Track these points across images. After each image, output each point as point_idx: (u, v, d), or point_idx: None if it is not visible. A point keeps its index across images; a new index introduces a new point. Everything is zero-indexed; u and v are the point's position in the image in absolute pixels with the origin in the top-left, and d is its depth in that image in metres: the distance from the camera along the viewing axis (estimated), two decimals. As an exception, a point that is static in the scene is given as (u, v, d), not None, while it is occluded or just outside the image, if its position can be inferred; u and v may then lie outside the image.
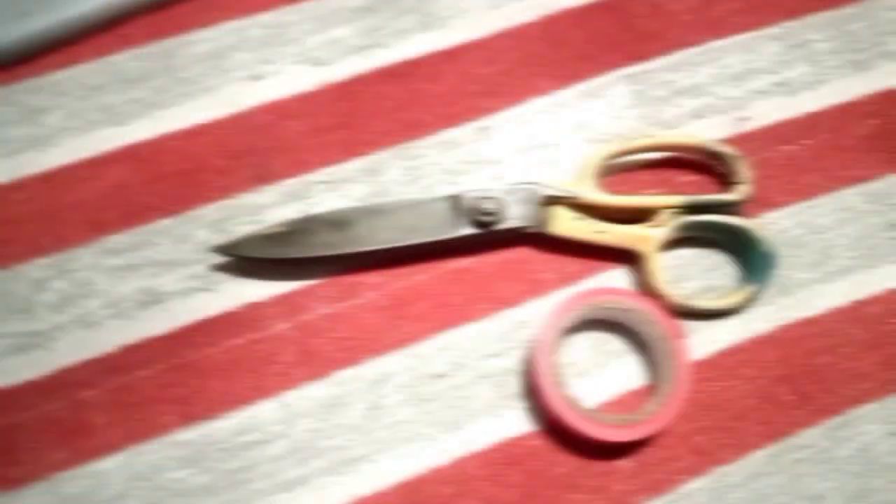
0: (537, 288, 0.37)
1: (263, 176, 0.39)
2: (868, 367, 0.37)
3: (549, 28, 0.42)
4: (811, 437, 0.36)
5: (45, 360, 0.35)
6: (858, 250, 0.39)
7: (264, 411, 0.35)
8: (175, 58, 0.41)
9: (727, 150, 0.38)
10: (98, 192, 0.38)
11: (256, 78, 0.41)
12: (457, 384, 0.35)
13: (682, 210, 0.37)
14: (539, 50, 0.41)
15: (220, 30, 0.41)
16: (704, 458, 0.35)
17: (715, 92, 0.41)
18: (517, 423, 0.35)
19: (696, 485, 0.34)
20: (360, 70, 0.41)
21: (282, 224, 0.36)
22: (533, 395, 0.35)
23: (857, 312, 0.38)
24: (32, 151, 0.39)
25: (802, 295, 0.38)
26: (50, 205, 0.38)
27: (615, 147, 0.38)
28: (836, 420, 0.36)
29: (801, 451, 0.36)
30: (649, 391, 0.35)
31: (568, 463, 0.34)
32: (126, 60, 0.41)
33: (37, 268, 0.37)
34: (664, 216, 0.37)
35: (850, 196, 0.40)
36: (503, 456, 0.34)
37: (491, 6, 0.42)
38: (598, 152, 0.38)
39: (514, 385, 0.36)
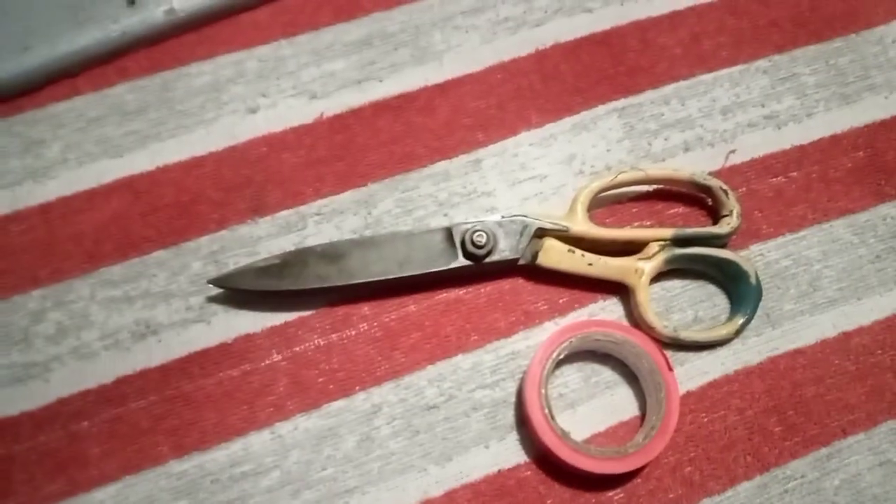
0: (529, 319, 0.38)
1: (259, 208, 0.39)
2: (855, 398, 0.37)
3: (541, 62, 0.43)
4: (799, 468, 0.36)
5: (41, 392, 0.35)
6: (846, 282, 0.39)
7: (257, 442, 0.35)
8: (173, 90, 0.42)
9: (715, 183, 0.39)
10: (95, 223, 0.38)
11: (253, 110, 0.41)
12: (449, 416, 0.36)
13: (671, 242, 0.38)
14: (531, 84, 0.42)
15: (218, 63, 0.42)
16: (694, 489, 0.35)
17: (703, 125, 0.42)
18: (509, 454, 0.35)
19: (685, 516, 0.35)
20: (354, 103, 0.42)
21: (275, 256, 0.37)
22: (524, 427, 0.35)
23: (844, 344, 0.38)
24: (31, 183, 0.39)
25: (790, 326, 0.38)
26: (48, 236, 0.38)
27: (605, 180, 0.38)
28: (824, 451, 0.36)
29: (789, 483, 0.36)
30: (639, 422, 0.36)
31: (559, 495, 0.35)
32: (124, 93, 0.41)
33: (34, 299, 0.37)
34: (653, 248, 0.37)
35: (838, 228, 0.40)
36: (495, 488, 0.35)
37: (484, 41, 0.43)
38: (589, 185, 0.38)
39: (506, 416, 0.36)
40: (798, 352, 0.38)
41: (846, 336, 0.38)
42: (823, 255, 0.40)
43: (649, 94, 0.42)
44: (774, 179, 0.41)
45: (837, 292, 0.39)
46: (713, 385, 0.37)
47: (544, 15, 0.44)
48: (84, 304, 0.37)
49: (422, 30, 0.43)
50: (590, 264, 0.37)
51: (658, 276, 0.38)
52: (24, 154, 0.40)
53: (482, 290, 0.38)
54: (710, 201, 0.40)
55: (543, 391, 0.34)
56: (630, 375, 0.37)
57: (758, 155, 0.41)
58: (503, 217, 0.38)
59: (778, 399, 0.37)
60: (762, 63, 0.44)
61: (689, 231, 0.38)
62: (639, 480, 0.35)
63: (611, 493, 0.35)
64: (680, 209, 0.40)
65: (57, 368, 0.36)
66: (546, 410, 0.34)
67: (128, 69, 0.42)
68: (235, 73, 0.42)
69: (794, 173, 0.41)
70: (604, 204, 0.39)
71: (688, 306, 0.38)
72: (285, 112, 0.41)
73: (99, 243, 0.38)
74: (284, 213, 0.39)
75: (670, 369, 0.35)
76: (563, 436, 0.33)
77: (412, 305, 0.38)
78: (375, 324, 0.37)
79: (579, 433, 0.36)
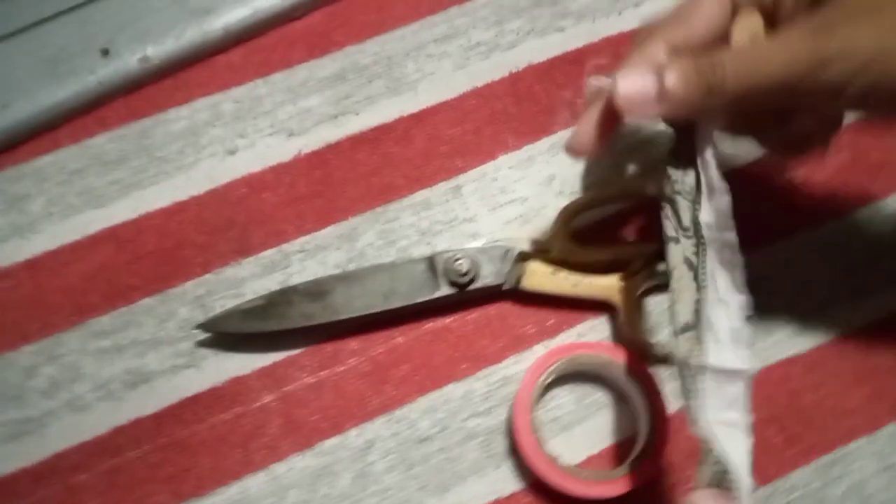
0: (518, 343, 0.38)
1: (242, 249, 0.39)
2: (855, 402, 0.37)
3: (515, 85, 0.43)
4: (802, 477, 0.36)
5: (38, 447, 0.36)
6: (838, 285, 0.39)
7: (254, 485, 0.35)
8: (151, 137, 0.42)
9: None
10: (82, 275, 0.39)
11: (231, 152, 0.41)
12: (443, 446, 0.36)
13: (655, 257, 0.37)
14: (506, 107, 0.42)
15: (194, 107, 0.42)
16: (693, 506, 0.35)
17: (683, 135, 0.42)
18: (505, 482, 0.35)
19: (686, 534, 0.34)
20: (332, 138, 0.42)
21: (260, 297, 0.37)
22: (516, 454, 0.35)
23: (840, 348, 0.38)
24: (17, 239, 0.40)
25: (784, 334, 0.38)
26: (36, 291, 0.38)
27: (585, 199, 0.38)
28: (827, 459, 0.36)
29: (792, 493, 0.36)
30: (632, 442, 0.35)
31: (557, 520, 0.34)
32: (104, 143, 0.42)
33: (26, 354, 0.37)
34: (638, 265, 0.37)
35: (826, 231, 0.40)
36: (492, 517, 0.35)
37: (457, 67, 0.43)
38: (569, 206, 0.38)
39: (500, 444, 0.36)
40: (794, 359, 0.38)
41: (842, 340, 0.38)
42: (814, 259, 0.39)
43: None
44: (761, 187, 0.41)
45: (831, 296, 0.39)
46: (707, 398, 0.36)
47: (516, 37, 0.44)
48: (75, 357, 0.37)
49: (394, 60, 0.43)
50: (574, 285, 0.37)
51: (645, 292, 0.38)
52: (9, 210, 0.40)
53: (469, 318, 0.38)
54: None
55: (531, 416, 0.34)
56: (622, 395, 0.36)
57: (741, 164, 0.41)
58: (485, 243, 0.38)
59: (776, 408, 0.37)
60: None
61: (673, 244, 0.37)
62: (636, 501, 0.34)
63: (610, 516, 0.34)
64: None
65: (52, 423, 0.36)
66: (535, 436, 0.33)
67: (107, 119, 0.42)
68: (212, 115, 0.42)
69: (780, 179, 0.41)
70: (586, 223, 0.39)
71: (677, 320, 0.38)
72: (264, 151, 0.41)
73: (86, 295, 0.38)
74: (268, 252, 0.39)
75: (659, 389, 0.34)
76: (553, 461, 0.33)
77: (400, 337, 0.38)
78: (364, 358, 0.37)
79: (575, 456, 0.35)
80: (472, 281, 0.37)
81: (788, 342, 0.38)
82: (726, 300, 0.30)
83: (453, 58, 0.43)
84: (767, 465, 0.36)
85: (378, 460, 0.35)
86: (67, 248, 0.39)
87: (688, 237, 0.32)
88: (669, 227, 0.33)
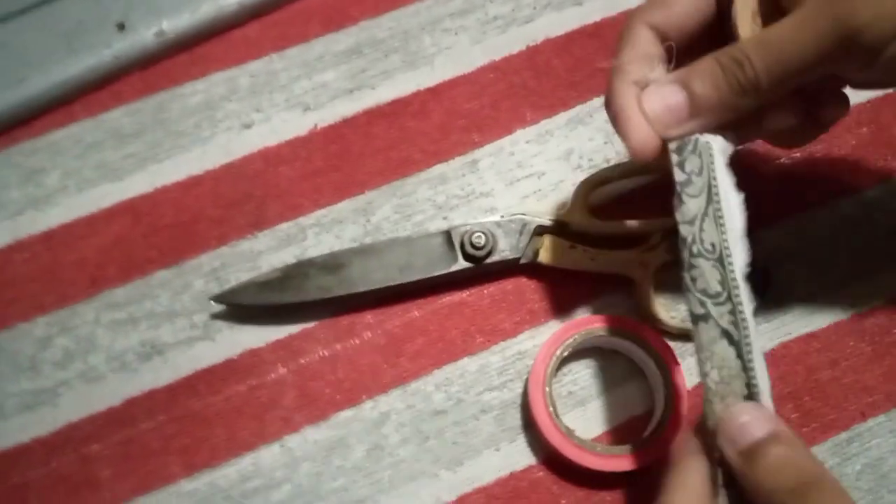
0: (534, 318, 0.37)
1: (258, 222, 0.39)
2: (872, 379, 0.37)
3: (533, 59, 0.42)
4: (819, 454, 0.35)
5: (51, 417, 0.36)
6: (856, 261, 0.38)
7: (267, 457, 0.35)
8: (167, 111, 0.42)
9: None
10: (97, 248, 0.39)
11: (247, 126, 0.41)
12: (458, 420, 0.36)
13: (672, 233, 0.37)
14: (523, 81, 0.42)
15: (210, 81, 0.42)
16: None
17: (702, 111, 0.41)
18: (520, 456, 0.35)
19: (703, 509, 0.34)
20: (348, 112, 0.41)
21: (276, 270, 0.37)
22: (531, 428, 0.35)
23: (858, 325, 0.37)
24: (33, 212, 0.40)
25: (801, 310, 0.38)
26: (51, 263, 0.38)
27: (604, 173, 0.38)
28: (844, 436, 0.36)
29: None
30: (648, 417, 0.35)
31: (573, 494, 0.34)
32: (120, 117, 0.42)
33: (40, 326, 0.37)
34: (655, 239, 0.37)
35: (845, 206, 0.40)
36: (507, 490, 0.34)
37: (474, 41, 0.43)
38: (587, 179, 0.38)
39: (515, 418, 0.36)
40: (811, 336, 0.37)
41: (860, 317, 0.38)
42: (832, 235, 0.39)
43: (644, 84, 0.42)
44: (779, 161, 0.40)
45: (848, 272, 0.38)
46: (725, 374, 0.36)
47: (533, 11, 0.43)
48: (89, 328, 0.37)
49: (411, 34, 0.43)
50: (592, 259, 0.37)
51: (662, 267, 0.37)
52: (25, 183, 0.40)
53: (485, 292, 0.38)
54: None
55: (548, 390, 0.34)
56: (639, 370, 0.36)
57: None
58: (502, 217, 0.37)
59: (793, 385, 0.36)
60: (758, 45, 0.43)
61: (692, 219, 0.37)
62: (654, 475, 0.34)
63: (625, 490, 0.34)
64: (681, 198, 0.39)
65: (65, 393, 0.36)
66: (551, 409, 0.33)
67: (122, 93, 0.42)
68: (228, 90, 0.42)
69: (798, 153, 0.40)
70: (604, 197, 0.39)
71: (695, 296, 0.38)
72: (280, 126, 0.41)
73: (101, 267, 0.38)
74: (284, 225, 0.39)
75: (677, 363, 0.34)
76: (569, 434, 0.33)
77: (415, 311, 0.37)
78: (379, 331, 0.37)
79: (591, 430, 0.35)
80: (488, 255, 0.37)
81: (806, 318, 0.37)
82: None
83: (470, 32, 0.43)
84: (785, 442, 0.35)
85: (392, 433, 0.35)
86: (83, 220, 0.39)
87: (719, 304, 0.27)
88: (694, 302, 0.27)
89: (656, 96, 0.29)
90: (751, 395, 0.26)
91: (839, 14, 0.26)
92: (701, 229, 0.28)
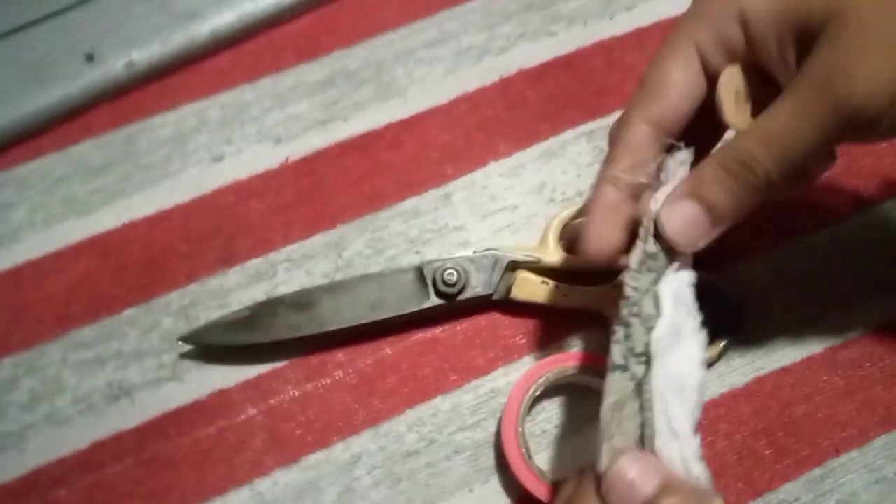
0: (507, 354, 0.37)
1: (228, 258, 0.39)
2: (846, 414, 0.36)
3: (506, 90, 0.42)
4: (793, 490, 0.35)
5: (17, 462, 0.35)
6: (830, 293, 0.38)
7: (237, 501, 0.35)
8: (137, 144, 0.41)
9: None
10: (65, 285, 0.38)
11: (218, 159, 0.41)
12: (430, 461, 0.35)
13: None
14: (497, 113, 0.42)
15: (181, 113, 0.42)
16: (684, 521, 0.34)
17: (675, 143, 0.41)
18: (493, 497, 0.35)
19: (677, 550, 0.34)
20: (320, 144, 0.41)
21: (245, 308, 0.36)
22: (504, 469, 0.34)
23: (831, 358, 0.37)
24: (-1, 248, 0.39)
25: (775, 344, 0.37)
26: (18, 301, 0.38)
27: (575, 208, 0.38)
28: (818, 472, 0.36)
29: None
30: (623, 456, 0.35)
31: (546, 535, 0.34)
32: (89, 150, 0.41)
33: (6, 367, 0.37)
34: (629, 275, 0.37)
35: (819, 239, 0.39)
36: (480, 532, 0.34)
37: (447, 72, 0.42)
38: (559, 214, 0.38)
39: (488, 458, 0.35)
40: (784, 370, 0.37)
41: (833, 350, 0.38)
42: (805, 268, 0.39)
43: (617, 115, 0.42)
44: (751, 194, 0.40)
45: (822, 306, 0.38)
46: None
47: (507, 41, 0.43)
48: (56, 369, 0.37)
49: (384, 65, 0.43)
50: (564, 295, 0.36)
51: (636, 303, 0.37)
52: (-9, 219, 0.40)
53: (458, 328, 0.37)
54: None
55: (520, 430, 0.33)
56: (612, 407, 0.36)
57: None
58: (474, 252, 0.37)
59: (767, 420, 0.36)
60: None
61: (665, 254, 0.37)
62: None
63: (599, 531, 0.34)
64: (654, 232, 0.39)
65: (32, 437, 0.35)
66: (523, 450, 0.33)
67: (91, 125, 0.42)
68: (199, 121, 0.42)
69: (771, 186, 0.40)
70: (574, 233, 0.39)
71: (668, 331, 0.37)
72: (251, 158, 0.41)
73: (69, 305, 0.38)
74: (254, 261, 0.39)
75: (650, 401, 0.34)
76: (541, 476, 0.33)
77: (387, 348, 0.37)
78: (351, 370, 0.37)
79: (564, 470, 0.35)
80: (461, 291, 0.36)
81: (780, 352, 0.37)
82: (677, 430, 0.26)
83: (444, 62, 0.43)
84: (758, 479, 0.35)
85: (364, 475, 0.35)
86: (50, 257, 0.39)
87: (640, 363, 0.28)
88: (617, 354, 0.28)
89: (674, 214, 0.28)
90: (642, 437, 0.26)
91: (838, 98, 0.25)
92: (643, 296, 0.28)
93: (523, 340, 0.37)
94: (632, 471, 0.26)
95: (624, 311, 0.28)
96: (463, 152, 0.41)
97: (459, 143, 0.41)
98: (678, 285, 0.28)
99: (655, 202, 0.29)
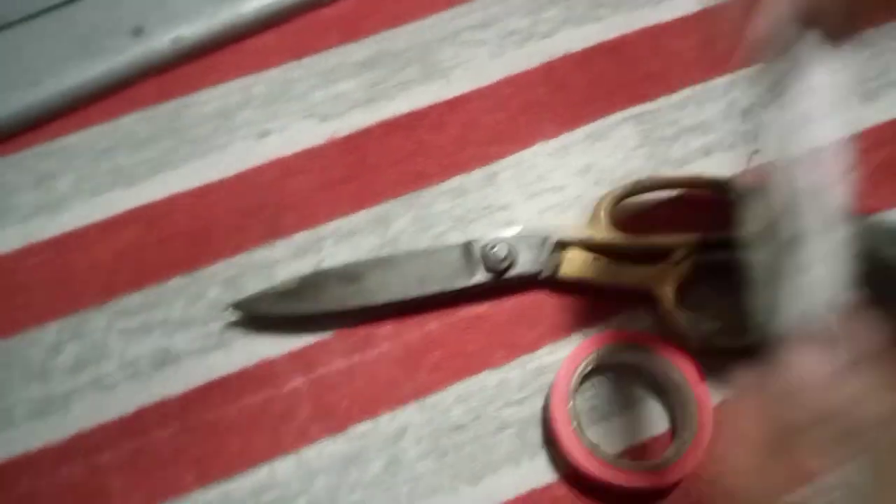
0: (554, 333, 0.37)
1: (274, 232, 0.39)
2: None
3: (551, 73, 0.42)
4: (849, 472, 0.35)
5: (61, 425, 0.35)
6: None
7: (282, 469, 0.34)
8: (183, 118, 0.41)
9: (739, 184, 0.38)
10: (110, 254, 0.38)
11: (263, 135, 0.41)
12: (477, 435, 0.35)
13: (697, 248, 0.37)
14: (541, 96, 0.42)
15: (226, 88, 0.42)
16: (737, 501, 0.34)
17: (723, 128, 0.41)
18: (540, 473, 0.34)
19: (725, 529, 0.33)
20: (365, 123, 0.41)
21: (293, 280, 0.36)
22: (553, 444, 0.34)
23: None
24: (44, 217, 0.39)
25: (822, 328, 0.37)
26: (63, 269, 0.38)
27: (627, 187, 0.38)
28: (865, 456, 0.35)
29: (839, 490, 0.35)
30: (672, 435, 0.35)
31: (593, 511, 0.34)
32: (135, 122, 0.41)
33: (51, 332, 0.37)
34: (679, 254, 0.37)
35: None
36: (527, 507, 0.34)
37: (492, 55, 0.43)
38: (612, 192, 0.38)
39: (535, 434, 0.35)
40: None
41: None
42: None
43: (664, 100, 0.42)
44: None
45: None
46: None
47: (552, 26, 0.43)
48: (102, 335, 0.36)
49: (429, 46, 0.43)
50: (614, 274, 0.36)
51: (686, 283, 0.37)
52: (37, 188, 0.40)
53: (505, 306, 0.37)
54: (734, 204, 0.39)
55: (571, 404, 0.33)
56: (660, 388, 0.36)
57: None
58: (522, 230, 0.37)
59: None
60: (777, 64, 0.43)
61: (716, 235, 0.37)
62: (677, 494, 0.34)
63: (648, 509, 0.34)
64: (704, 213, 0.39)
65: (76, 401, 0.35)
66: (574, 424, 0.33)
67: (137, 99, 0.42)
68: (244, 98, 0.42)
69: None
70: (626, 212, 0.39)
71: (718, 312, 0.37)
72: (296, 135, 0.41)
73: (115, 273, 0.38)
74: (300, 235, 0.39)
75: (701, 380, 0.34)
76: (593, 449, 0.32)
77: (434, 323, 0.37)
78: (397, 343, 0.36)
79: (614, 446, 0.35)
80: (508, 268, 0.36)
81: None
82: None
83: (489, 45, 0.43)
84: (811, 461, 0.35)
85: (410, 447, 0.35)
86: (96, 226, 0.39)
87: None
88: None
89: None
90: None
91: None
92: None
93: (570, 319, 0.37)
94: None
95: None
96: (507, 134, 0.41)
97: (504, 124, 0.41)
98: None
99: None
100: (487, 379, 0.36)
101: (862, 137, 0.41)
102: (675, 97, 0.42)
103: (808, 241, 0.26)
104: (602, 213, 0.37)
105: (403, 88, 0.42)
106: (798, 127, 0.27)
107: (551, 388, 0.34)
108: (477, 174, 0.40)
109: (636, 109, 0.41)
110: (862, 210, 0.39)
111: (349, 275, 0.36)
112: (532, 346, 0.37)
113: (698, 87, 0.42)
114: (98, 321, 0.37)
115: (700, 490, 0.34)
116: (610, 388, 0.36)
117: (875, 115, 0.42)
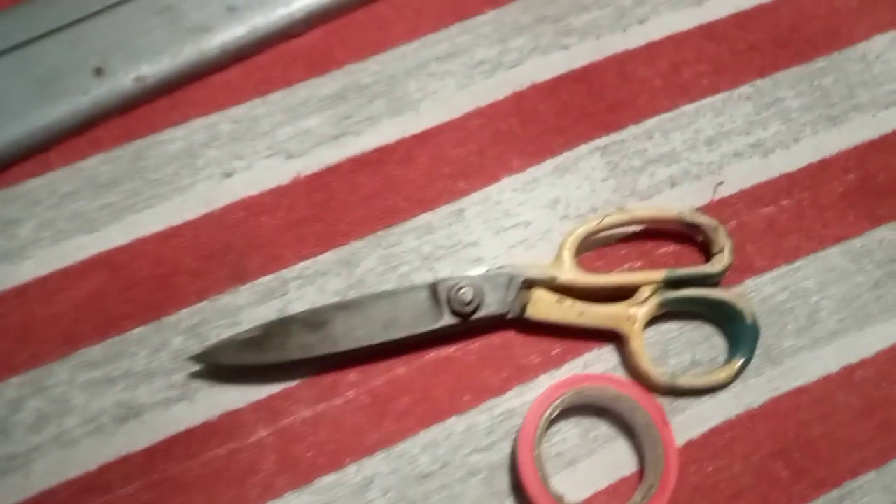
0: (522, 374, 0.37)
1: (239, 275, 0.38)
2: (863, 434, 0.36)
3: (520, 104, 0.42)
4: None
5: (23, 485, 0.34)
6: (846, 312, 0.38)
7: (249, 523, 0.34)
8: (146, 159, 0.41)
9: (704, 219, 0.38)
10: (72, 303, 0.38)
11: (228, 174, 0.40)
12: (444, 483, 0.35)
13: (663, 285, 0.36)
14: (510, 127, 0.41)
15: (191, 127, 0.41)
16: (702, 544, 0.34)
17: (689, 157, 0.41)
18: (508, 519, 0.34)
19: (695, 574, 0.33)
20: (332, 160, 0.41)
21: (257, 328, 0.36)
22: (520, 492, 0.34)
23: (848, 378, 0.37)
24: (6, 265, 0.38)
25: (791, 363, 0.37)
26: (25, 320, 0.37)
27: (591, 225, 0.37)
28: (835, 493, 0.35)
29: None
30: (639, 477, 0.35)
31: (562, 558, 0.33)
32: (97, 165, 0.41)
33: (12, 387, 0.36)
34: (645, 292, 0.36)
35: (833, 256, 0.39)
36: (495, 556, 0.34)
37: (460, 86, 0.42)
38: (574, 231, 0.37)
39: (503, 480, 0.35)
40: (801, 390, 0.37)
41: (849, 370, 0.37)
42: (820, 285, 0.39)
43: (631, 130, 0.41)
44: (765, 209, 0.40)
45: (837, 324, 0.38)
46: (715, 432, 0.36)
47: (520, 55, 0.43)
48: (64, 389, 0.36)
49: (396, 79, 0.42)
50: (580, 314, 0.36)
51: (652, 321, 0.37)
52: (-1, 235, 0.39)
53: (472, 347, 0.37)
54: (700, 238, 0.39)
55: (536, 452, 0.33)
56: (627, 429, 0.35)
57: (747, 185, 0.40)
58: (489, 270, 0.37)
59: (784, 441, 0.36)
60: (744, 89, 0.43)
61: (681, 272, 0.37)
62: (644, 540, 0.34)
63: (616, 554, 0.33)
64: (670, 248, 0.39)
65: (38, 459, 0.35)
66: (539, 474, 0.32)
67: (100, 140, 0.41)
68: (209, 136, 0.41)
69: (785, 202, 0.40)
70: (591, 247, 0.38)
71: (684, 350, 0.37)
72: (261, 174, 0.40)
73: (77, 323, 0.37)
74: (266, 278, 0.38)
75: (666, 422, 0.33)
76: (558, 501, 0.32)
77: (400, 368, 0.37)
78: (363, 390, 0.36)
79: (580, 492, 0.34)
80: (476, 310, 0.36)
81: (796, 372, 0.37)
82: None
83: (456, 76, 0.42)
84: (775, 501, 0.35)
85: (378, 498, 0.34)
86: (58, 274, 0.38)
87: None
88: None
89: None
90: None
91: None
92: None
93: (538, 360, 0.37)
94: None
95: None
96: (476, 167, 0.41)
97: (472, 157, 0.41)
98: None
99: None
100: (455, 425, 0.36)
101: (828, 163, 0.41)
102: (642, 126, 0.41)
103: None
104: (566, 254, 0.36)
105: (371, 123, 0.42)
106: None
107: (518, 435, 0.34)
108: (444, 210, 0.40)
109: (603, 140, 0.41)
110: (828, 238, 0.39)
111: (314, 321, 0.36)
112: (500, 389, 0.36)
113: (665, 116, 0.42)
114: (60, 374, 0.36)
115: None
116: (577, 432, 0.36)
117: (840, 140, 0.41)
